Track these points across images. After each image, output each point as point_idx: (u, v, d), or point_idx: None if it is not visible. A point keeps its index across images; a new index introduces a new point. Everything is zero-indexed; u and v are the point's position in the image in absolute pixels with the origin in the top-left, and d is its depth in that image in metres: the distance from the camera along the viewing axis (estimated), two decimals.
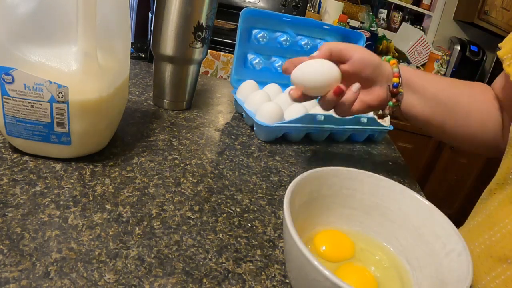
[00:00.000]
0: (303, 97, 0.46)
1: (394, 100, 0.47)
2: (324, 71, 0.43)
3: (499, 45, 0.47)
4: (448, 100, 0.49)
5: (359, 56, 0.45)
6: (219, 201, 0.40)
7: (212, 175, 0.45)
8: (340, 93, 0.44)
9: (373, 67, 0.46)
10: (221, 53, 1.34)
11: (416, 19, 2.43)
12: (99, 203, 0.35)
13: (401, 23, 2.36)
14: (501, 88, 0.49)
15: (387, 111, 0.48)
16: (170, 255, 0.31)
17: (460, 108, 0.49)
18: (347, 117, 0.62)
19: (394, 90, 0.46)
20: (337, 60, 0.45)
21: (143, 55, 1.54)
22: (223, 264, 0.32)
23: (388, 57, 0.49)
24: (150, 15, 1.57)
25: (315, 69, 0.43)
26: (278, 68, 0.72)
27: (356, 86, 0.45)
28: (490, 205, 0.41)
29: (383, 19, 2.36)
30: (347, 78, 0.45)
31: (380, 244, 0.35)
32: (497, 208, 0.40)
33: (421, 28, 2.36)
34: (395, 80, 0.46)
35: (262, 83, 0.69)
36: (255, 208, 0.41)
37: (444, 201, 2.20)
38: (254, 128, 0.59)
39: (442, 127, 0.50)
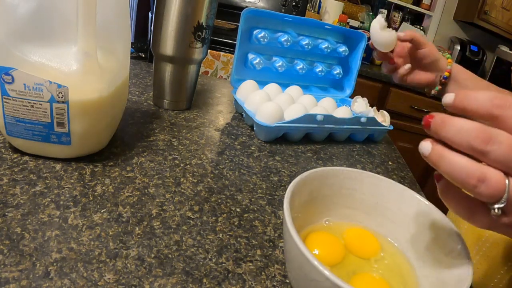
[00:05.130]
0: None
1: (439, 87, 0.66)
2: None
3: None
4: None
5: (429, 49, 0.65)
6: (219, 201, 0.40)
7: (212, 175, 0.45)
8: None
9: (433, 60, 0.65)
10: (221, 53, 1.34)
11: (416, 19, 2.43)
12: (99, 203, 0.35)
13: (401, 23, 2.36)
14: None
15: (432, 92, 0.68)
16: (170, 255, 0.31)
17: None
18: (347, 117, 0.63)
19: (442, 80, 0.66)
20: (415, 44, 0.65)
21: (143, 55, 1.54)
22: (223, 264, 0.32)
23: (448, 55, 0.67)
24: (150, 15, 1.57)
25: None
26: (279, 68, 0.72)
27: (407, 65, 0.66)
28: None
29: None
30: (416, 59, 0.66)
31: (381, 244, 0.35)
32: None
33: (421, 28, 2.36)
34: (446, 74, 0.65)
35: (262, 83, 0.69)
36: (255, 208, 0.41)
37: None
38: (254, 128, 0.59)
39: None
